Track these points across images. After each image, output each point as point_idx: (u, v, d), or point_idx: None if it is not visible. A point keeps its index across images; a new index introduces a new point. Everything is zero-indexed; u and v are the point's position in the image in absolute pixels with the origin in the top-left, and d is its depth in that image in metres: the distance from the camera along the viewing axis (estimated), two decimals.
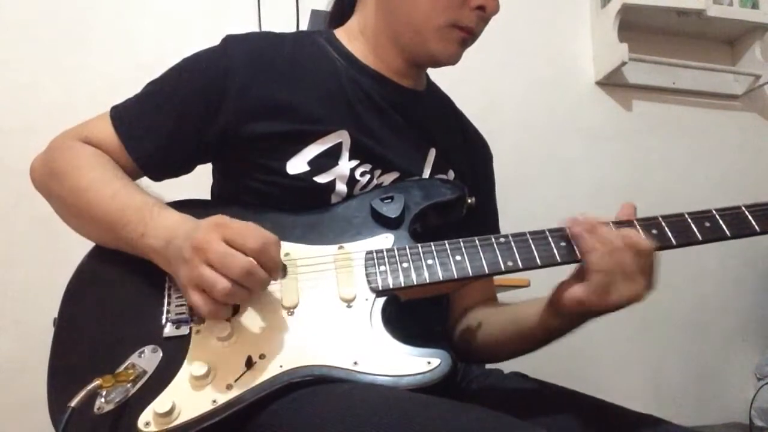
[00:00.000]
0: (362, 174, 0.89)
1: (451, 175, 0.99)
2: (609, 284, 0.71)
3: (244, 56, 0.89)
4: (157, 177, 0.91)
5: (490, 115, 1.47)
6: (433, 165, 0.97)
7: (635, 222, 0.78)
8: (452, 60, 0.93)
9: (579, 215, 0.76)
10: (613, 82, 2.36)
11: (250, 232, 0.69)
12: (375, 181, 0.90)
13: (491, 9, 0.89)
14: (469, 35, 0.90)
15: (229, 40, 0.91)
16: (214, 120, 0.87)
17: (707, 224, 0.78)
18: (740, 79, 2.48)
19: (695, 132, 2.43)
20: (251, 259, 0.67)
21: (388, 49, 0.95)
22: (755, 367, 2.30)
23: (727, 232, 0.77)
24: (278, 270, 0.71)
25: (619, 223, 0.77)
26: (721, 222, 0.77)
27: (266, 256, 0.69)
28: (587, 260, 0.73)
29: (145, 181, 0.90)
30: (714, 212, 0.78)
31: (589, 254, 0.73)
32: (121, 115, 0.89)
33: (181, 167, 0.93)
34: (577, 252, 0.76)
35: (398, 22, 0.92)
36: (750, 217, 0.78)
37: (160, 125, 0.87)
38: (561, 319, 0.80)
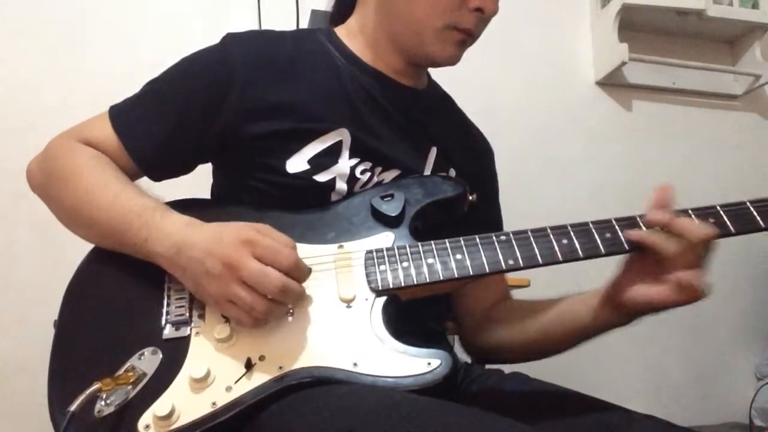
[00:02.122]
0: (362, 172, 0.89)
1: (452, 173, 0.99)
2: (687, 280, 0.72)
3: (244, 55, 0.88)
4: (157, 177, 0.91)
5: (490, 115, 1.47)
6: (434, 163, 0.97)
7: (637, 218, 0.78)
8: (451, 61, 0.92)
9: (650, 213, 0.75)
10: (613, 82, 2.36)
11: (280, 247, 0.70)
12: (375, 179, 0.90)
13: (490, 10, 0.88)
14: (468, 36, 0.90)
15: (229, 39, 0.91)
16: (214, 119, 0.86)
17: (711, 220, 0.77)
18: (740, 79, 2.48)
19: (695, 132, 2.43)
20: (284, 277, 0.68)
21: (387, 48, 0.94)
22: (755, 367, 2.29)
23: (732, 228, 0.76)
24: (307, 277, 0.73)
25: (620, 220, 0.77)
26: (725, 218, 0.77)
27: (298, 271, 0.71)
28: (668, 259, 0.72)
29: (145, 182, 0.89)
30: (718, 208, 0.77)
31: (670, 252, 0.72)
32: (120, 114, 0.89)
33: (182, 167, 0.92)
34: (579, 251, 0.76)
35: (397, 22, 0.92)
36: (755, 213, 0.77)
37: (160, 125, 0.87)
38: (621, 315, 0.80)
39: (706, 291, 0.73)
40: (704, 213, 0.77)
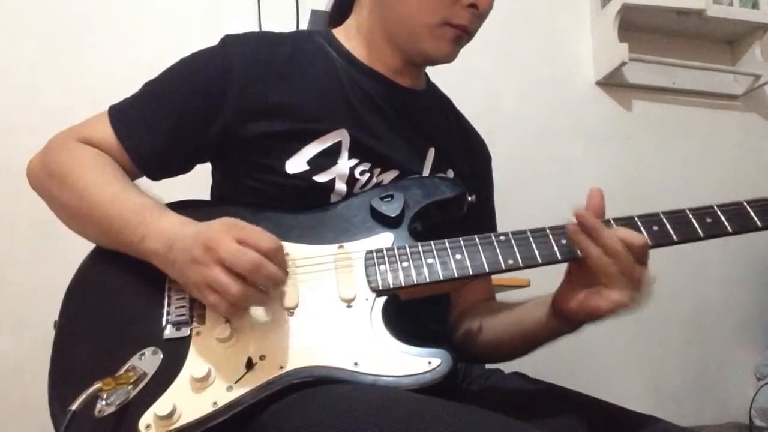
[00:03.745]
0: (362, 173, 0.89)
1: (451, 174, 0.99)
2: (614, 286, 0.72)
3: (243, 56, 0.88)
4: (156, 176, 0.91)
5: (490, 115, 1.47)
6: (433, 164, 0.97)
7: (635, 219, 0.78)
8: (447, 58, 0.92)
9: (579, 212, 0.75)
10: (613, 82, 2.36)
11: (263, 233, 0.70)
12: (374, 180, 0.90)
13: (483, 6, 0.87)
14: (462, 33, 0.89)
15: (228, 40, 0.91)
16: (213, 120, 0.87)
17: (708, 220, 0.77)
18: (740, 79, 2.48)
19: (695, 132, 2.43)
20: (260, 255, 0.68)
21: (384, 48, 0.95)
22: (755, 367, 2.29)
23: (729, 228, 0.77)
24: (286, 269, 0.72)
25: (619, 220, 0.78)
26: (722, 217, 0.77)
27: (279, 256, 0.70)
28: (590, 266, 0.73)
29: (145, 182, 0.89)
30: (715, 208, 0.78)
31: (590, 260, 0.73)
32: (119, 114, 0.89)
33: (180, 167, 0.92)
34: (577, 250, 0.76)
35: (391, 21, 0.92)
36: (751, 213, 0.77)
37: (159, 125, 0.87)
38: (566, 323, 0.81)
39: (633, 303, 0.73)
40: (701, 213, 0.78)
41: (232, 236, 0.69)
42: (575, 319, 0.78)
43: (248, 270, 0.67)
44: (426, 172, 0.95)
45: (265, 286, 0.70)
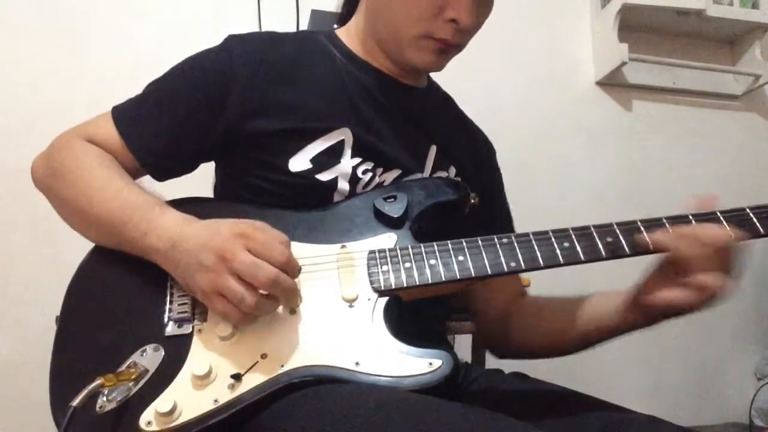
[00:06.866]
0: (364, 172, 0.89)
1: (453, 171, 0.99)
2: (708, 286, 0.72)
3: (246, 56, 0.89)
4: (160, 176, 0.91)
5: (490, 114, 1.46)
6: (434, 162, 0.97)
7: (638, 223, 0.78)
8: (431, 68, 0.93)
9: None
10: (613, 82, 2.36)
11: (274, 242, 0.70)
12: (377, 179, 0.90)
13: (465, 22, 0.86)
14: (446, 46, 0.89)
15: (231, 40, 0.92)
16: (217, 120, 0.87)
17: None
18: (740, 79, 2.48)
19: (695, 132, 2.43)
20: (276, 270, 0.68)
21: (377, 52, 0.96)
22: (755, 367, 2.29)
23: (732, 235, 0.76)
24: (298, 274, 0.73)
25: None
26: (726, 224, 0.77)
27: (290, 267, 0.70)
28: (687, 264, 0.72)
29: (146, 181, 0.89)
30: (718, 214, 0.78)
31: (688, 260, 0.72)
32: (123, 114, 0.89)
33: (184, 166, 0.93)
34: (580, 254, 0.76)
35: (380, 27, 0.93)
36: (754, 219, 0.77)
37: (163, 125, 0.87)
38: (646, 319, 0.81)
39: (721, 294, 0.73)
40: (704, 218, 0.77)
41: (244, 246, 0.68)
42: (654, 311, 0.78)
43: (266, 285, 0.68)
44: (427, 171, 0.96)
45: (281, 297, 0.71)
